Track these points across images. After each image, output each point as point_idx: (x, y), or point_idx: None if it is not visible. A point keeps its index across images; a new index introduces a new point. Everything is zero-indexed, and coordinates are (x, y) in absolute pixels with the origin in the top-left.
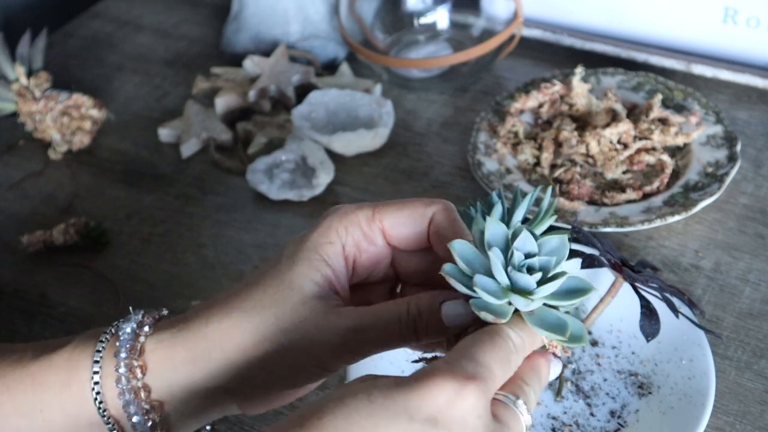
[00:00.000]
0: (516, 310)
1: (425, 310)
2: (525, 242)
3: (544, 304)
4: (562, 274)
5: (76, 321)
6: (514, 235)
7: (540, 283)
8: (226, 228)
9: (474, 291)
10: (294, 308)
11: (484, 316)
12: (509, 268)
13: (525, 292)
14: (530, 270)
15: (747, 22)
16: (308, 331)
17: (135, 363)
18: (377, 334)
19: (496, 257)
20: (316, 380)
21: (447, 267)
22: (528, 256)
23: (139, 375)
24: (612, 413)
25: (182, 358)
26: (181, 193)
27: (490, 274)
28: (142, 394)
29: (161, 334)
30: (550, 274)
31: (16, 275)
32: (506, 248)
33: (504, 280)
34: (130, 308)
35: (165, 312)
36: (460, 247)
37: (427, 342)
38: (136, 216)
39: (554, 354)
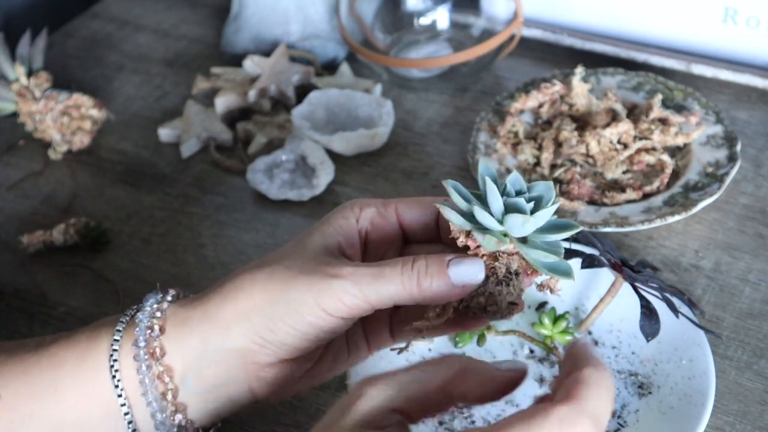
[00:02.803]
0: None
1: (434, 262)
2: (516, 180)
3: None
4: (555, 204)
5: (76, 321)
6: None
7: (533, 212)
8: (226, 228)
9: (470, 221)
10: (304, 259)
11: (488, 241)
12: (504, 198)
13: (521, 211)
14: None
15: (747, 22)
16: (313, 274)
17: (155, 322)
18: (378, 282)
19: (491, 185)
20: (323, 336)
21: (442, 202)
22: (519, 193)
23: (157, 333)
24: (612, 413)
25: (198, 318)
26: (181, 193)
27: (485, 207)
28: (158, 353)
29: (183, 301)
30: (542, 206)
31: (16, 275)
32: (498, 186)
33: (500, 205)
34: (158, 285)
35: (191, 295)
36: (454, 184)
37: (428, 301)
38: (136, 216)
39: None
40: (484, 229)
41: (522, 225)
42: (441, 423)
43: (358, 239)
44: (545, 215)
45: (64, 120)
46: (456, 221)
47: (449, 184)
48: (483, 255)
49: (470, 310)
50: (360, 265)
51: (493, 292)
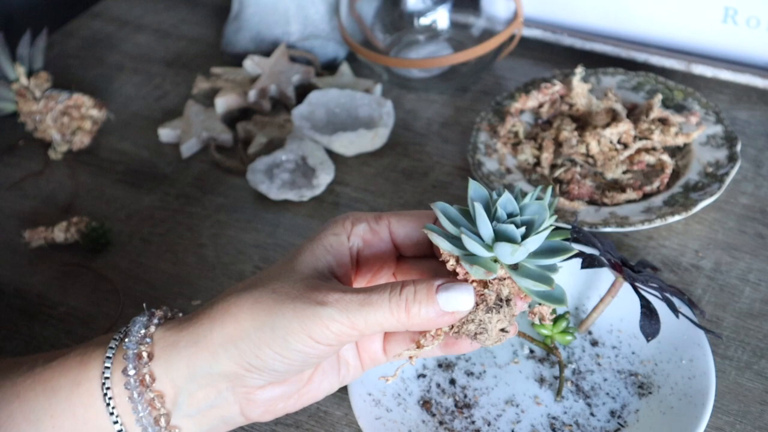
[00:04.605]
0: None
1: (422, 288)
2: (507, 203)
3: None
4: (547, 228)
5: (76, 321)
6: (495, 201)
7: (524, 237)
8: (226, 228)
9: (458, 247)
10: (292, 284)
11: (475, 271)
12: (494, 223)
13: (511, 240)
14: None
15: (747, 22)
16: (300, 300)
17: (143, 349)
18: (365, 309)
19: (480, 210)
20: (311, 361)
21: (430, 225)
22: (510, 216)
23: (146, 360)
24: (612, 413)
25: (186, 342)
26: (181, 193)
27: (474, 231)
28: (147, 380)
29: (170, 323)
30: (533, 231)
31: (17, 274)
32: (489, 209)
33: (489, 231)
34: (144, 306)
35: (179, 314)
36: (443, 206)
37: (417, 327)
38: (136, 216)
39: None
40: (472, 256)
41: (511, 254)
42: (441, 423)
43: (349, 258)
44: (536, 242)
45: (64, 120)
46: (445, 247)
47: (438, 207)
48: (473, 281)
49: (460, 336)
50: (347, 291)
51: (483, 319)
